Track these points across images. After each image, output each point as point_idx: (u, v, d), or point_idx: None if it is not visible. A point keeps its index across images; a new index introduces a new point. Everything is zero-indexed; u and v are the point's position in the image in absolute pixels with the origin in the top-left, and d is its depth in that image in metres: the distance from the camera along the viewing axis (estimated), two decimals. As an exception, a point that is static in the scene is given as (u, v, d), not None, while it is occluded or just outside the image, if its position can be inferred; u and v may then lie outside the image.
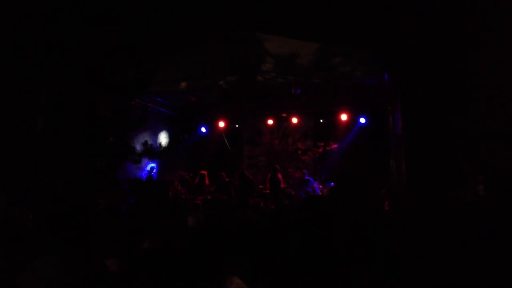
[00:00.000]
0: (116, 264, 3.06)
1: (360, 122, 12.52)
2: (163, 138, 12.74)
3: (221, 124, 13.68)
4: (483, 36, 5.00)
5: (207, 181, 11.74)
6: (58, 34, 6.74)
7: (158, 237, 4.29)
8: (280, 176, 12.00)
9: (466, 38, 5.36)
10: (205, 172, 11.82)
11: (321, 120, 13.30)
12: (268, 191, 11.88)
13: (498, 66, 4.89)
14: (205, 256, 3.46)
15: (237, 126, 13.91)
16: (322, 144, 13.10)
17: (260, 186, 12.76)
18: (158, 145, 7.94)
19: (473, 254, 4.05)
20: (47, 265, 2.84)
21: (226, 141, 13.68)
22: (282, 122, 13.66)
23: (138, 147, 7.39)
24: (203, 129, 14.00)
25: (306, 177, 12.08)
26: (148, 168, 10.32)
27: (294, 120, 13.30)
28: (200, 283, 3.01)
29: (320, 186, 11.87)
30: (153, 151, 7.74)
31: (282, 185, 12.45)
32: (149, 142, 7.80)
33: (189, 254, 3.58)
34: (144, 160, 7.97)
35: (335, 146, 12.95)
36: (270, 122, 13.61)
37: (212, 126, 13.97)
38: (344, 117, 12.63)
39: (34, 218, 5.15)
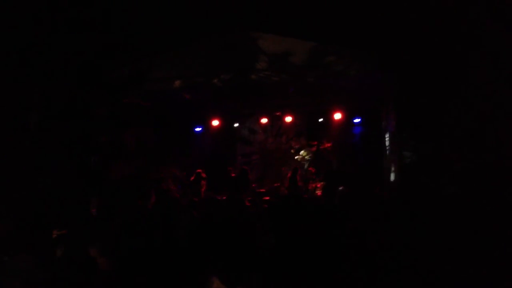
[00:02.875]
0: (107, 263, 3.05)
1: (354, 121, 12.52)
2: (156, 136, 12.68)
3: (215, 122, 13.63)
4: (479, 36, 5.02)
5: (203, 180, 11.77)
6: (52, 32, 6.69)
7: (149, 236, 4.28)
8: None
9: (462, 38, 5.38)
10: (200, 170, 11.84)
11: (315, 119, 13.27)
12: (263, 190, 11.93)
13: (493, 66, 4.92)
14: (191, 256, 3.46)
15: (230, 124, 13.88)
16: (316, 143, 13.11)
17: (253, 185, 12.78)
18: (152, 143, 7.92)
19: (469, 252, 4.07)
20: (24, 263, 2.82)
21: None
22: (276, 120, 13.64)
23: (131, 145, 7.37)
24: (197, 128, 13.95)
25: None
26: None
27: (288, 119, 13.27)
28: (182, 283, 3.01)
29: (313, 185, 11.88)
30: (146, 149, 7.71)
31: (276, 184, 12.50)
32: (142, 140, 7.78)
33: (177, 253, 3.57)
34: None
35: (329, 144, 12.96)
36: (264, 120, 13.59)
37: (206, 125, 13.92)
38: (337, 116, 12.61)
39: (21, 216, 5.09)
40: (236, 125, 13.63)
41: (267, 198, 10.76)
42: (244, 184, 11.67)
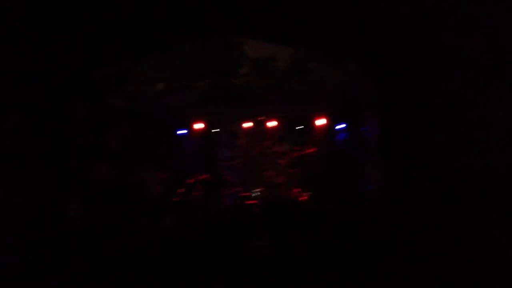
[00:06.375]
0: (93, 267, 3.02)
1: (337, 127, 12.62)
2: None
3: (198, 125, 13.59)
4: (459, 44, 5.11)
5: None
6: (31, 32, 6.59)
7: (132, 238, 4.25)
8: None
9: (442, 46, 5.47)
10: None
11: (298, 125, 13.36)
12: (247, 194, 12.01)
13: (473, 73, 5.00)
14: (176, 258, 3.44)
15: (213, 128, 13.86)
16: (299, 148, 13.18)
17: (234, 189, 12.78)
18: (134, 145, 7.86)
19: (455, 257, 4.12)
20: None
21: None
22: (259, 125, 13.67)
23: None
24: (180, 131, 13.86)
25: None
26: None
27: (271, 124, 13.33)
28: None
29: (297, 190, 11.92)
30: (129, 151, 7.63)
31: (260, 188, 12.55)
32: (124, 142, 7.70)
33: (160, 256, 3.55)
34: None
35: (312, 150, 13.03)
36: (247, 125, 13.60)
37: (189, 128, 13.85)
38: (320, 122, 12.73)
39: None
40: (214, 130, 13.71)
41: (254, 202, 10.81)
42: (218, 188, 11.78)
